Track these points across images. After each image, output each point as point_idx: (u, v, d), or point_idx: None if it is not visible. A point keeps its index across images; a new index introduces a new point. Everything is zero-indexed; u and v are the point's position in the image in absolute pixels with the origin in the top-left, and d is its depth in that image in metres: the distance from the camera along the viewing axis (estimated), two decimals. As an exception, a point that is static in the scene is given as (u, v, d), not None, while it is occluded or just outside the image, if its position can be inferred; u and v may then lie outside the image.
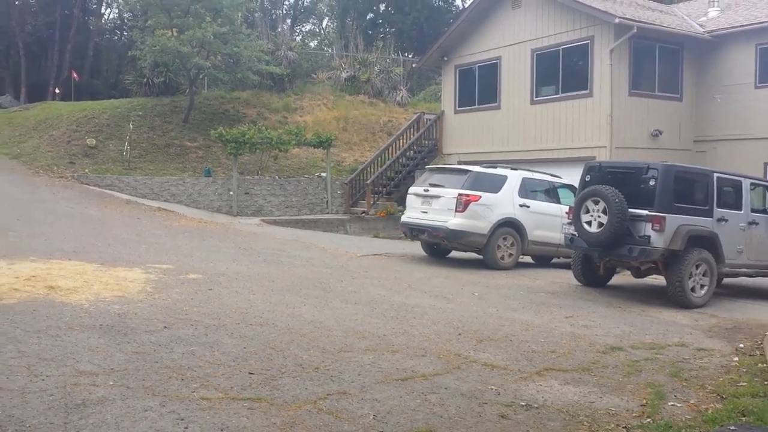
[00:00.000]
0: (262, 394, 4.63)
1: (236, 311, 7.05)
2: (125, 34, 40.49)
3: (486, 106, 19.65)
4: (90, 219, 14.16)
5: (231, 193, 18.99)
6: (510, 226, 12.18)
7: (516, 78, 18.65)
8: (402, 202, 16.39)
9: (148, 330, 6.02)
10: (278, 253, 11.94)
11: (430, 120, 21.51)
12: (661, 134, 16.86)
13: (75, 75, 30.97)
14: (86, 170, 19.32)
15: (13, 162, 19.89)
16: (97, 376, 4.76)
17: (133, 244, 11.60)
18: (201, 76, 24.24)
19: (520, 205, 12.29)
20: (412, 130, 21.44)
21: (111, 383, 4.63)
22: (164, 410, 4.21)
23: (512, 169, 12.93)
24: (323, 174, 20.93)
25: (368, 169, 20.48)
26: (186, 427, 3.97)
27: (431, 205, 12.34)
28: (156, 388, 4.60)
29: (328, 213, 19.91)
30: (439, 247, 13.08)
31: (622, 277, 11.52)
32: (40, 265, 8.76)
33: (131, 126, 21.25)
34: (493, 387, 5.13)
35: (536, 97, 18.17)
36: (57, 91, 32.32)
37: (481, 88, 19.94)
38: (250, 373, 5.04)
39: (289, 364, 5.34)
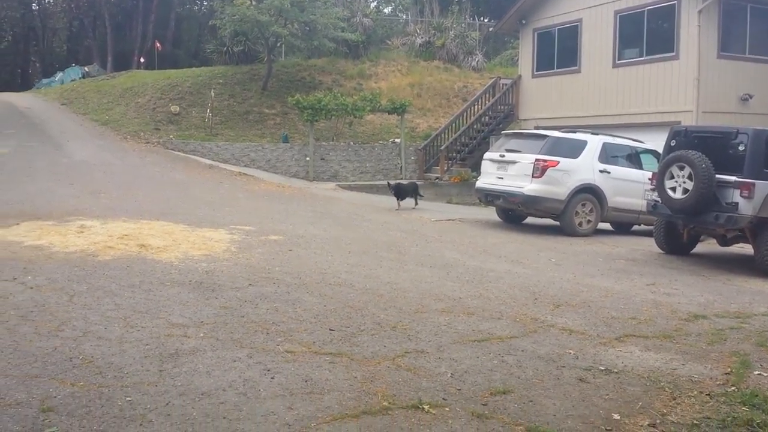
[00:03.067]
0: (343, 349, 4.79)
1: (315, 271, 7.25)
2: (205, 3, 41.38)
3: (565, 69, 19.10)
4: (175, 182, 14.74)
5: (307, 158, 19.31)
6: (589, 192, 11.91)
7: (598, 41, 18.02)
8: (476, 168, 16.26)
9: (234, 287, 6.29)
10: (354, 217, 12.13)
11: (506, 85, 21.11)
12: (751, 98, 15.98)
13: (158, 44, 31.96)
14: (171, 136, 20.05)
15: (103, 128, 20.86)
16: (188, 328, 5.03)
17: (217, 206, 12.02)
18: (278, 44, 24.57)
19: (600, 171, 11.98)
20: (487, 95, 21.12)
21: (201, 335, 4.89)
22: (251, 361, 4.43)
23: (592, 133, 12.60)
24: (397, 140, 20.95)
25: (442, 135, 20.34)
26: (272, 378, 4.17)
27: (507, 170, 12.19)
28: (243, 340, 4.83)
29: (401, 178, 19.94)
30: (514, 213, 12.95)
31: (707, 245, 11.12)
32: (131, 225, 9.24)
33: (212, 94, 21.85)
34: (571, 351, 5.11)
35: (619, 60, 17.53)
36: (141, 60, 33.48)
37: (560, 51, 19.38)
38: (330, 330, 5.21)
39: (367, 323, 5.47)
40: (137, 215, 10.22)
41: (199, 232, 9.13)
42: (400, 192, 14.15)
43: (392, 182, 14.78)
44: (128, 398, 3.76)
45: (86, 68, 32.64)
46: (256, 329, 5.09)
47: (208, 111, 21.16)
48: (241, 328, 5.09)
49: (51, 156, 16.55)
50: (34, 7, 43.20)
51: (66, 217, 9.69)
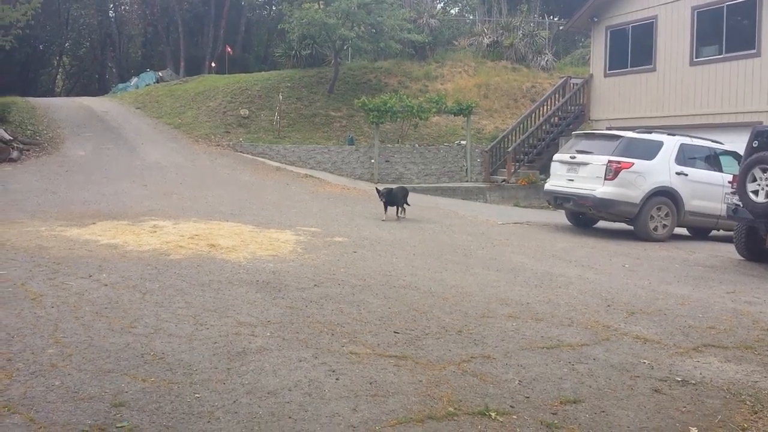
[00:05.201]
0: (408, 352, 4.73)
1: (380, 273, 7.23)
2: (274, 8, 42.14)
3: (639, 68, 18.53)
4: (244, 184, 15.02)
5: (372, 161, 19.36)
6: (665, 195, 11.48)
7: (674, 38, 17.40)
8: (544, 170, 15.93)
9: (300, 287, 6.33)
10: (418, 220, 12.05)
11: (576, 85, 20.63)
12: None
13: (229, 49, 32.69)
14: (240, 139, 20.48)
15: (175, 131, 21.48)
16: (256, 327, 5.08)
17: (284, 208, 12.18)
18: (345, 47, 24.76)
19: (677, 173, 11.53)
20: (557, 95, 20.68)
21: (268, 334, 4.93)
22: (317, 362, 4.42)
23: (669, 134, 12.14)
24: (463, 142, 20.76)
25: (509, 136, 20.03)
26: (337, 379, 4.15)
27: (578, 172, 11.87)
28: (309, 341, 4.84)
29: (467, 181, 19.77)
30: (584, 216, 12.61)
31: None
32: (202, 225, 9.46)
33: (280, 97, 22.22)
34: (645, 361, 4.90)
35: (696, 58, 16.88)
36: (213, 64, 34.33)
37: (634, 49, 18.81)
38: (395, 332, 5.16)
39: (432, 326, 5.40)
40: (207, 216, 10.45)
41: (267, 232, 9.26)
42: (390, 199, 11.80)
43: (381, 188, 12.08)
44: (197, 395, 3.81)
45: (160, 73, 33.69)
46: (321, 330, 5.10)
47: (276, 114, 21.52)
48: (306, 329, 5.10)
49: (126, 158, 17.16)
50: (111, 14, 45.01)
51: (140, 217, 10.02)
